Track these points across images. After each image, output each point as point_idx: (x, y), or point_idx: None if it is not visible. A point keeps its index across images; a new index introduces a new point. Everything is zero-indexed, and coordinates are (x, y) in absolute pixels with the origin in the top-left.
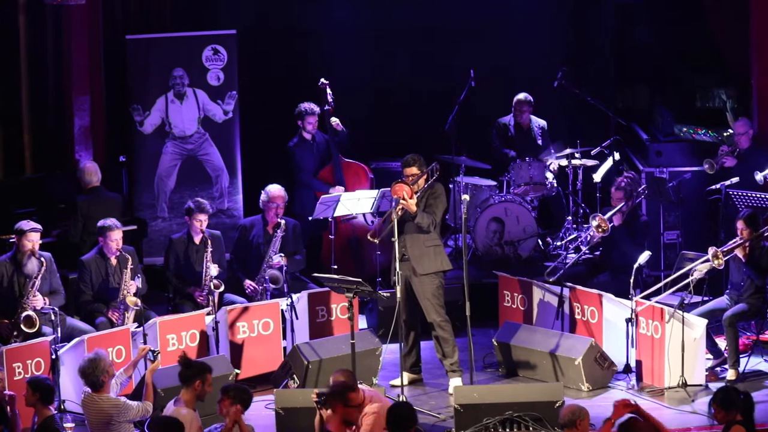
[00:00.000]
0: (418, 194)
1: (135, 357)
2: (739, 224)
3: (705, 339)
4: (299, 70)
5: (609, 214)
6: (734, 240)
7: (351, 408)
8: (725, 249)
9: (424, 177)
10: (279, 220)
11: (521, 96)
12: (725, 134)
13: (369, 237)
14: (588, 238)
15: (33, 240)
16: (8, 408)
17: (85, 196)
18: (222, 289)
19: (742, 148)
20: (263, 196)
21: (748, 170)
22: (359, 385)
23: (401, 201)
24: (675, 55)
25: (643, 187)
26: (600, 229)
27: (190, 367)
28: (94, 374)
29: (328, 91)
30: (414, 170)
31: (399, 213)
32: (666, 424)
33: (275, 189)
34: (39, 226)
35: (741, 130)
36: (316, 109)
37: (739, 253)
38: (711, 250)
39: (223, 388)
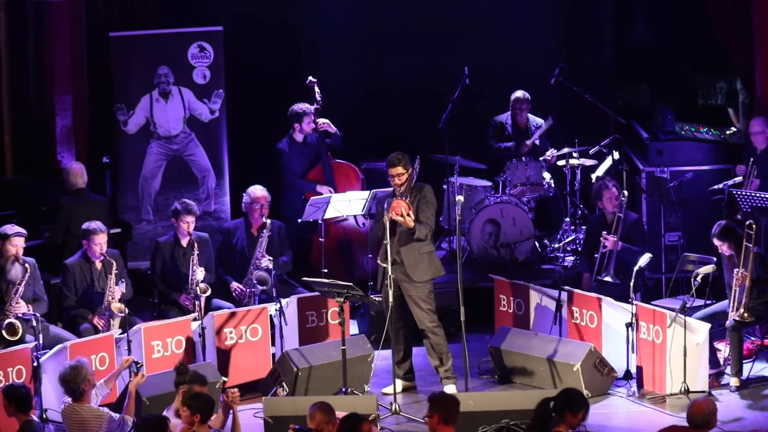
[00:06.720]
0: (408, 198)
1: (117, 368)
2: (716, 242)
3: (708, 344)
4: (288, 68)
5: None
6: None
7: None
8: (744, 271)
9: (409, 175)
10: (265, 220)
11: (519, 94)
12: (728, 132)
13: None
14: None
15: (17, 245)
16: None
17: (69, 198)
18: (209, 293)
19: (760, 148)
20: (246, 198)
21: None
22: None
23: (398, 218)
24: (675, 52)
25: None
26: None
27: (183, 375)
28: (74, 382)
29: (316, 89)
30: (399, 169)
31: (387, 220)
32: None
33: (258, 190)
34: (24, 231)
35: (757, 129)
36: (310, 109)
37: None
38: (739, 275)
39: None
